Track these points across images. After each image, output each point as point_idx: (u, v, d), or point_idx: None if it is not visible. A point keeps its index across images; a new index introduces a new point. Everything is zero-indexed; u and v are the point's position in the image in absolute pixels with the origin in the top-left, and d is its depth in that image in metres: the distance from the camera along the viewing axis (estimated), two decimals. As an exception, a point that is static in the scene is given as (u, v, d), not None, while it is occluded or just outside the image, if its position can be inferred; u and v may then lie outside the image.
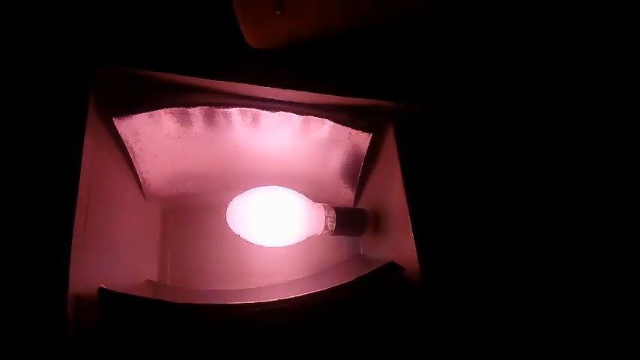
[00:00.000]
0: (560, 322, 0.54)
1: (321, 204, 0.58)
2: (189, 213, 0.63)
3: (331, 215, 0.57)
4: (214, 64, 0.50)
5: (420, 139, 0.55)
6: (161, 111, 0.51)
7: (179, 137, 0.55)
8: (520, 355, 0.52)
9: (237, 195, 0.57)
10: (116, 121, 0.50)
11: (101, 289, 0.43)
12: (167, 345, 0.44)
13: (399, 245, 0.53)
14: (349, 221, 0.59)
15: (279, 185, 0.58)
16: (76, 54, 0.47)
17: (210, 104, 0.52)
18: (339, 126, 0.55)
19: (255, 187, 0.58)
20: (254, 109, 0.53)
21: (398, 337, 0.49)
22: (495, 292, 0.53)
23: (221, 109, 0.52)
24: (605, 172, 0.61)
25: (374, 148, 0.57)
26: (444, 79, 0.57)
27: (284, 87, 0.51)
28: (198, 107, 0.52)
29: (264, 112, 0.53)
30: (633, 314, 0.55)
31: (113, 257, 0.50)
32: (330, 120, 0.54)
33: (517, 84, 0.60)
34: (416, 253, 0.49)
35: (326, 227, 0.57)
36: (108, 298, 0.43)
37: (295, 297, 0.45)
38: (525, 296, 0.54)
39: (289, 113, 0.53)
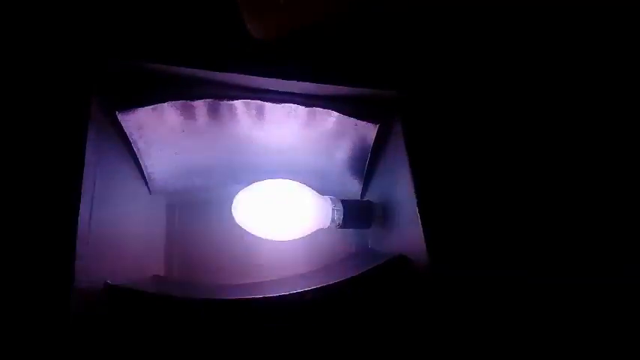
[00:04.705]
0: (570, 317, 0.53)
1: (328, 197, 0.57)
2: (195, 207, 0.63)
3: (338, 208, 0.57)
4: (217, 55, 0.49)
5: (428, 129, 0.54)
6: (165, 104, 0.50)
7: (183, 131, 0.54)
8: (529, 349, 0.51)
9: (242, 188, 0.56)
10: (119, 115, 0.49)
11: (107, 284, 0.43)
12: (174, 340, 0.44)
13: (408, 238, 0.52)
14: (357, 214, 0.58)
15: (286, 178, 0.58)
16: (79, 48, 0.46)
17: (214, 97, 0.51)
18: (345, 117, 0.54)
19: (261, 180, 0.57)
20: (258, 101, 0.52)
21: (407, 331, 0.49)
22: (505, 285, 0.52)
23: (225, 102, 0.52)
24: (608, 170, 0.60)
25: (381, 139, 0.56)
26: (451, 68, 0.57)
27: (288, 78, 0.50)
28: (202, 100, 0.51)
29: (269, 104, 0.52)
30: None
31: (119, 252, 0.50)
32: (336, 111, 0.54)
33: (529, 72, 0.60)
34: (425, 246, 0.48)
35: (333, 220, 0.57)
36: (114, 293, 0.43)
37: (302, 291, 0.45)
38: (536, 290, 0.53)
39: (294, 105, 0.53)
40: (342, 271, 0.54)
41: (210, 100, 0.51)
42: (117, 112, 0.49)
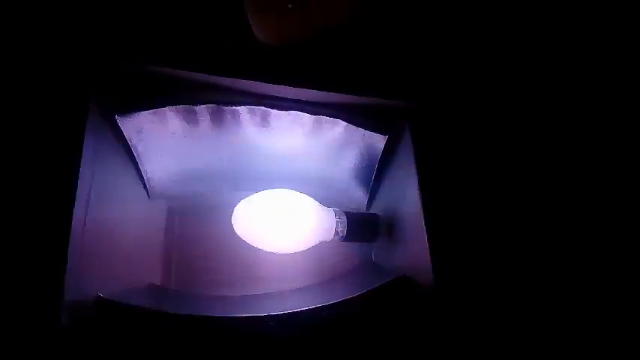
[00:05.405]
0: (580, 337, 0.51)
1: (331, 208, 0.56)
2: (196, 213, 0.61)
3: (342, 220, 0.55)
4: (222, 60, 0.47)
5: (439, 142, 0.52)
6: (166, 109, 0.49)
7: (185, 136, 0.53)
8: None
9: (245, 195, 0.55)
10: (119, 119, 0.48)
11: (98, 298, 0.41)
12: (168, 357, 0.42)
13: (413, 253, 0.50)
14: (361, 227, 0.56)
15: (289, 187, 0.56)
16: (78, 49, 0.45)
17: (218, 102, 0.50)
18: (352, 127, 0.52)
19: (264, 188, 0.55)
20: (263, 108, 0.50)
21: (409, 352, 0.47)
22: (513, 305, 0.50)
23: (229, 108, 0.50)
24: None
25: (389, 150, 0.55)
26: (463, 80, 0.55)
27: (295, 85, 0.48)
28: (205, 105, 0.50)
29: (274, 110, 0.51)
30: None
31: (113, 260, 0.48)
32: (344, 120, 0.52)
33: (542, 84, 0.58)
34: (430, 263, 0.47)
35: (336, 233, 0.55)
36: (104, 306, 0.41)
37: (301, 310, 0.43)
38: (545, 311, 0.51)
39: (300, 112, 0.51)
40: (344, 288, 0.52)
41: (213, 105, 0.50)
42: (116, 116, 0.47)
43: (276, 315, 0.43)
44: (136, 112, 0.48)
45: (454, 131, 0.54)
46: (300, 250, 0.55)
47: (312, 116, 0.51)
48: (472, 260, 0.49)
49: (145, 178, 0.55)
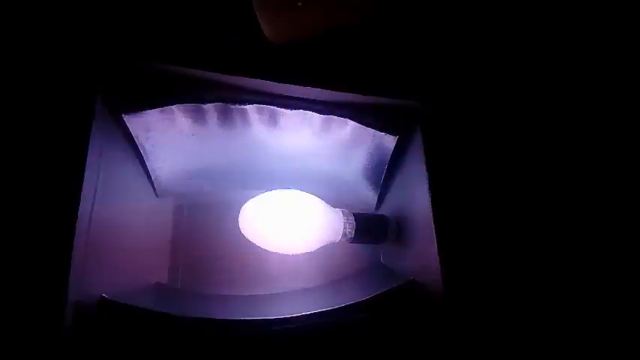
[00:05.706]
0: (593, 344, 0.50)
1: (339, 209, 0.55)
2: (203, 212, 0.61)
3: (350, 222, 0.54)
4: (230, 58, 0.46)
5: (449, 142, 0.51)
6: (173, 107, 0.48)
7: (193, 134, 0.52)
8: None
9: (252, 195, 0.54)
10: (125, 117, 0.47)
11: (102, 299, 0.41)
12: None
13: (422, 256, 0.50)
14: (369, 229, 0.56)
15: (297, 187, 0.55)
16: (85, 47, 0.44)
17: (226, 100, 0.49)
18: (362, 127, 0.51)
19: (271, 188, 0.55)
20: (272, 107, 0.50)
21: (418, 357, 0.46)
22: (524, 310, 0.49)
23: (237, 106, 0.49)
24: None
25: (399, 151, 0.54)
26: (476, 81, 0.54)
27: (304, 84, 0.47)
28: (213, 104, 0.49)
29: (283, 110, 0.50)
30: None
31: (120, 259, 0.48)
32: (353, 120, 0.51)
33: (556, 87, 0.57)
34: (439, 266, 0.46)
35: (344, 234, 0.54)
36: (109, 308, 0.41)
37: (308, 313, 0.43)
38: (557, 316, 0.50)
39: (309, 112, 0.50)
40: (351, 290, 0.51)
41: (221, 103, 0.49)
42: (122, 114, 0.47)
43: (283, 318, 0.42)
44: (143, 110, 0.47)
45: (465, 132, 0.53)
46: (307, 251, 0.54)
47: (322, 116, 0.51)
48: (482, 264, 0.48)
49: (152, 176, 0.55)
